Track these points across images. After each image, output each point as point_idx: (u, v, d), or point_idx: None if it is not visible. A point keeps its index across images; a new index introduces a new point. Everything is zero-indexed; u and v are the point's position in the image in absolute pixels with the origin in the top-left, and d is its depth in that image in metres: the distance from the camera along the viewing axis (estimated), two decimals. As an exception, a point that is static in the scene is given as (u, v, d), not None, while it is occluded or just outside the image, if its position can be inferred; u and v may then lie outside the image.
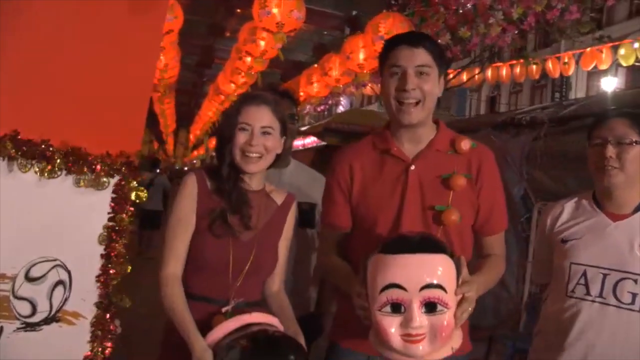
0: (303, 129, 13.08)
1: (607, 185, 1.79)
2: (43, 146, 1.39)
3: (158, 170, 11.03)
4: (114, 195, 1.50)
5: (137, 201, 1.56)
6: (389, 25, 4.55)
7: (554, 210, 1.96)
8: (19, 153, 1.36)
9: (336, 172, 1.77)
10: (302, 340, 1.60)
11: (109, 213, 1.50)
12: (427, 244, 1.40)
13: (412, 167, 1.68)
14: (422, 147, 1.71)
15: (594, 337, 1.74)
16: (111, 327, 1.50)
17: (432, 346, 1.34)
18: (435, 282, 1.33)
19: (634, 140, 1.76)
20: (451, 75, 11.54)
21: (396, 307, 1.34)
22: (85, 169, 1.44)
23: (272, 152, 1.69)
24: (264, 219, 1.72)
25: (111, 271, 1.50)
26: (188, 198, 1.65)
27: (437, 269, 1.36)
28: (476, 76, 11.34)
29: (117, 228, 1.50)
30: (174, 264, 1.61)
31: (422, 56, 1.65)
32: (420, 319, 1.32)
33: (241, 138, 1.65)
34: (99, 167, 1.45)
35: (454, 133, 1.77)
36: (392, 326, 1.34)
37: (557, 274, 1.88)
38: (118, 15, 1.59)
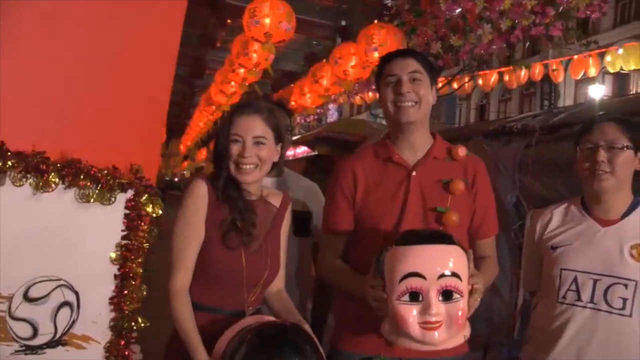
0: (294, 138, 13.13)
1: (597, 190, 1.83)
2: (37, 158, 1.33)
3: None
4: (126, 212, 1.44)
5: (154, 215, 1.48)
6: (383, 36, 4.62)
7: (542, 217, 2.00)
8: (10, 165, 1.30)
9: (339, 180, 1.86)
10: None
11: (122, 230, 1.43)
12: (439, 236, 1.51)
13: (414, 173, 1.80)
14: (420, 155, 1.84)
15: (586, 342, 1.77)
16: (126, 352, 1.42)
17: (449, 333, 1.43)
18: (452, 270, 1.42)
19: (624, 144, 1.80)
20: (440, 84, 11.70)
21: (414, 296, 1.42)
22: (89, 183, 1.39)
23: (267, 161, 1.69)
24: (267, 226, 1.74)
25: (125, 292, 1.43)
26: (200, 206, 1.61)
27: (453, 258, 1.45)
28: (467, 84, 11.49)
29: (131, 246, 1.43)
30: (183, 276, 1.59)
31: (413, 64, 1.81)
32: (438, 306, 1.41)
33: (234, 150, 1.64)
34: (103, 180, 1.40)
35: (449, 143, 1.90)
36: (410, 314, 1.42)
37: (546, 281, 1.91)
38: (134, 22, 1.55)
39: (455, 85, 11.59)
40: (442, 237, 1.49)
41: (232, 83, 7.27)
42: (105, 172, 1.43)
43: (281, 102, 2.51)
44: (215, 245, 1.62)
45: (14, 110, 1.38)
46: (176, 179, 35.56)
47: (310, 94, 7.54)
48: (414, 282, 1.40)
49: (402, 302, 1.42)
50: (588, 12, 4.37)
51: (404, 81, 1.77)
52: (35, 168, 1.34)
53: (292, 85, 8.37)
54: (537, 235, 1.99)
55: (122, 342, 1.43)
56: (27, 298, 1.35)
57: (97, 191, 1.42)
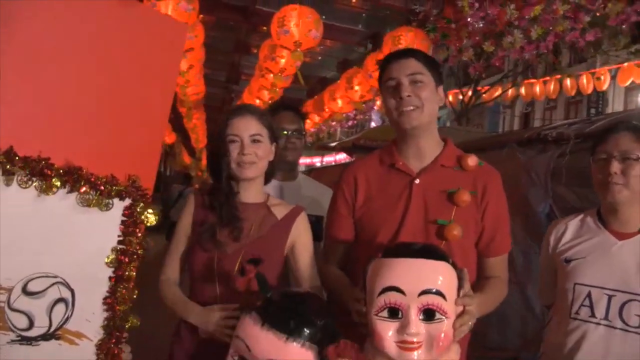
0: (333, 144, 13.16)
1: (612, 202, 1.76)
2: (42, 164, 1.42)
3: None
4: (124, 219, 1.51)
5: (148, 224, 1.54)
6: (410, 39, 4.59)
7: (557, 228, 1.94)
8: (17, 169, 1.39)
9: (342, 185, 1.83)
10: None
11: (118, 236, 1.50)
12: (429, 251, 1.42)
13: (417, 181, 1.72)
14: (427, 162, 1.75)
15: None
16: (116, 350, 1.47)
17: (428, 355, 1.33)
18: (435, 288, 1.34)
19: (639, 155, 1.72)
20: (483, 91, 11.53)
21: (394, 312, 1.34)
22: (88, 189, 1.47)
23: (264, 159, 1.78)
24: (259, 232, 1.76)
25: (118, 294, 1.49)
26: (186, 212, 1.83)
27: (438, 275, 1.36)
28: (509, 92, 11.29)
29: (126, 251, 1.50)
30: (171, 271, 1.84)
31: (413, 65, 1.71)
32: (417, 325, 1.32)
33: (233, 150, 1.74)
34: (102, 187, 1.48)
35: (461, 151, 1.80)
36: (388, 331, 1.34)
37: (560, 295, 1.85)
38: (139, 36, 1.61)
39: (497, 92, 11.41)
40: (431, 252, 1.41)
41: (266, 90, 7.34)
42: (104, 180, 1.50)
43: (293, 106, 2.55)
44: (193, 248, 1.77)
45: (23, 118, 1.47)
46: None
47: (342, 100, 7.54)
48: (392, 297, 1.34)
49: (380, 318, 1.35)
50: (619, 20, 4.24)
51: (404, 84, 1.68)
52: (40, 172, 1.43)
53: (324, 91, 8.42)
54: (551, 248, 1.93)
55: (113, 341, 1.48)
56: (25, 291, 1.42)
57: (96, 197, 1.49)
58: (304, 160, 23.14)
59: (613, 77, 9.48)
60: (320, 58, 11.58)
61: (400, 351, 1.33)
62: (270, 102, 8.28)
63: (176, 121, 16.81)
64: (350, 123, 17.59)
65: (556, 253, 1.90)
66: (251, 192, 1.79)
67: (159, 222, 1.55)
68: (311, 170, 12.55)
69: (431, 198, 1.71)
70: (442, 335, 1.33)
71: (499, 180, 1.79)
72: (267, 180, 1.86)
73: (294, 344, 1.32)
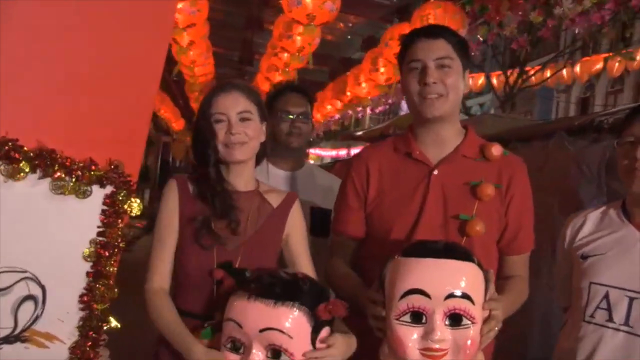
0: (359, 133, 13.07)
1: (637, 191, 1.73)
2: (9, 146, 1.42)
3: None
4: (104, 208, 1.51)
5: (132, 214, 1.56)
6: (439, 15, 4.56)
7: (574, 221, 1.92)
8: None
9: (352, 175, 1.84)
10: None
11: (98, 227, 1.51)
12: (454, 251, 1.43)
13: (435, 172, 1.73)
14: (447, 152, 1.77)
15: None
16: (92, 354, 1.48)
17: None
18: (462, 291, 1.36)
19: None
20: (531, 72, 11.35)
21: (417, 317, 1.37)
22: (63, 174, 1.47)
23: (254, 139, 1.76)
24: (256, 223, 1.77)
25: (97, 291, 1.49)
26: (170, 205, 1.75)
27: (466, 277, 1.39)
28: (564, 72, 11.07)
29: (106, 244, 1.51)
30: (159, 278, 1.72)
31: (441, 48, 1.71)
32: (443, 331, 1.35)
33: (220, 130, 1.72)
34: (79, 173, 1.48)
35: (484, 140, 1.81)
36: (410, 338, 1.37)
37: (575, 296, 1.83)
38: (123, 16, 1.62)
39: (548, 74, 11.22)
40: (456, 252, 1.42)
41: (280, 70, 7.35)
42: (82, 164, 1.50)
43: (300, 87, 2.56)
44: (187, 244, 1.71)
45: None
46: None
47: (367, 83, 7.52)
48: (416, 301, 1.36)
49: (401, 323, 1.38)
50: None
51: (430, 68, 1.70)
52: (6, 156, 1.44)
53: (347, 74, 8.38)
54: (567, 242, 1.91)
55: (89, 343, 1.48)
56: (-14, 289, 1.40)
57: (72, 184, 1.49)
58: (328, 153, 23.13)
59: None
60: (347, 37, 11.56)
61: (423, 359, 1.36)
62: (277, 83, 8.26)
63: (185, 107, 16.96)
64: (380, 109, 17.49)
65: (572, 248, 1.88)
66: (242, 179, 1.79)
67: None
68: (334, 164, 12.45)
69: (451, 191, 1.72)
70: (469, 342, 1.36)
71: (525, 172, 1.81)
72: (257, 162, 1.86)
73: (283, 307, 1.40)
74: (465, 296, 1.36)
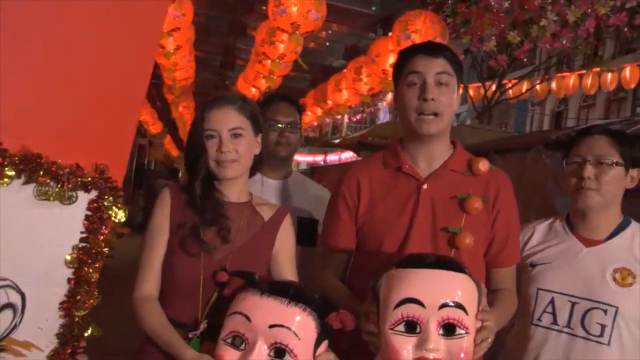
0: (337, 141, 13.09)
1: (582, 207, 1.88)
2: None
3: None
4: (88, 213, 1.49)
5: (116, 221, 1.53)
6: (419, 23, 4.59)
7: (524, 232, 2.03)
8: None
9: (343, 189, 1.85)
10: None
11: (81, 232, 1.48)
12: (446, 262, 1.46)
13: (425, 186, 1.76)
14: (436, 166, 1.80)
15: None
16: None
17: None
18: (456, 301, 1.38)
19: (614, 161, 1.83)
20: (509, 85, 11.49)
21: (411, 327, 1.38)
22: (48, 180, 1.44)
23: (246, 155, 1.75)
24: (246, 234, 1.76)
25: (78, 298, 1.46)
26: (161, 213, 1.74)
27: (459, 288, 1.41)
28: (538, 87, 11.23)
29: (89, 250, 1.48)
30: (149, 286, 1.71)
31: (442, 64, 1.74)
32: (437, 340, 1.36)
33: (211, 146, 1.71)
34: (65, 178, 1.45)
35: (471, 155, 1.86)
36: (405, 347, 1.37)
37: (523, 301, 1.94)
38: (109, 9, 1.59)
39: (524, 87, 11.36)
40: (449, 264, 1.45)
41: (263, 77, 7.31)
42: (67, 169, 1.47)
43: (289, 96, 2.54)
44: (174, 251, 1.71)
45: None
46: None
47: (348, 91, 7.53)
48: (410, 310, 1.37)
49: (396, 333, 1.38)
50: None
51: (430, 84, 1.72)
52: None
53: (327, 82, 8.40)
54: None
55: (68, 351, 1.45)
56: (-36, 298, 1.36)
57: (57, 189, 1.46)
58: (305, 159, 23.17)
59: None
60: (327, 44, 11.56)
61: None
62: (267, 92, 8.26)
63: (163, 109, 16.82)
64: (358, 117, 17.55)
65: (522, 257, 1.99)
66: (235, 191, 1.78)
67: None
68: (314, 170, 12.49)
69: (440, 205, 1.75)
70: (462, 352, 1.37)
71: (511, 186, 1.86)
72: (252, 173, 1.85)
73: (296, 307, 1.41)
74: (459, 306, 1.38)
